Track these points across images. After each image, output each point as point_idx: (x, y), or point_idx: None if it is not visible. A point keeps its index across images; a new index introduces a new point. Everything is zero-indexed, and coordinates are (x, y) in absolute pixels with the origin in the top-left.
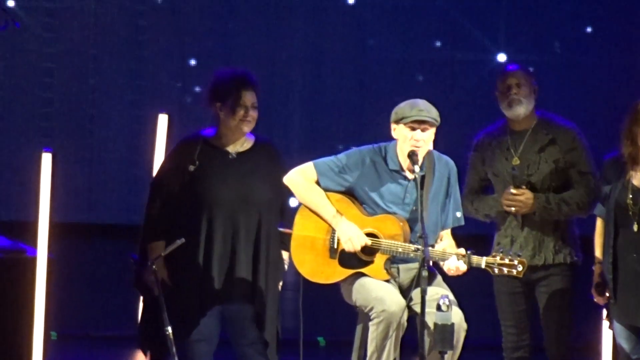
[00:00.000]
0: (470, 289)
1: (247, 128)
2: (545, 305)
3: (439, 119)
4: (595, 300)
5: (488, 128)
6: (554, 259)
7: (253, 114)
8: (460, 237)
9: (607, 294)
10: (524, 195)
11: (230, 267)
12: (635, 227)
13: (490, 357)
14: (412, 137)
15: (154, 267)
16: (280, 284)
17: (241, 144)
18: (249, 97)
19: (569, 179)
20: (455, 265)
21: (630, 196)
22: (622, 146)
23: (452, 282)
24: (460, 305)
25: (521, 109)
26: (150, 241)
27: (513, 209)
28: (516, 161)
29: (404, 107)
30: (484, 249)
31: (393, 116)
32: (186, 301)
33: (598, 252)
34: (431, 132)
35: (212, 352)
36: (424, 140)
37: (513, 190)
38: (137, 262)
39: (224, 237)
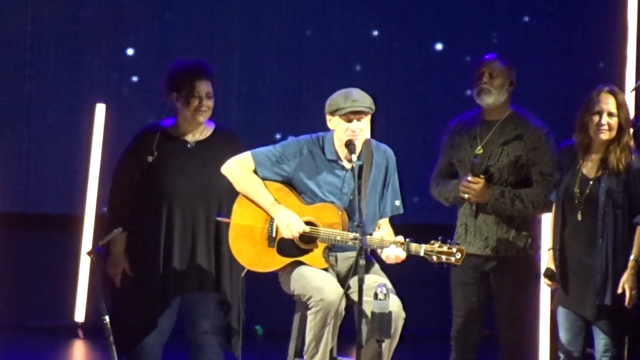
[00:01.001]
0: (410, 277)
1: (202, 118)
2: (498, 296)
3: (373, 107)
4: (545, 284)
5: (464, 114)
6: (507, 250)
7: (208, 104)
8: (424, 226)
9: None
10: (479, 185)
11: (192, 257)
12: (579, 216)
13: (430, 346)
14: (349, 129)
15: (91, 257)
16: (244, 272)
17: (200, 133)
18: (203, 87)
19: (530, 177)
20: (394, 253)
21: (578, 184)
22: (575, 135)
23: (391, 270)
24: (399, 294)
25: (489, 99)
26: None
27: (467, 196)
28: (479, 150)
29: (337, 98)
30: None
31: (327, 107)
32: (145, 292)
33: (551, 238)
34: (367, 120)
35: (163, 343)
36: (361, 129)
37: (469, 178)
38: (101, 254)
39: (184, 227)
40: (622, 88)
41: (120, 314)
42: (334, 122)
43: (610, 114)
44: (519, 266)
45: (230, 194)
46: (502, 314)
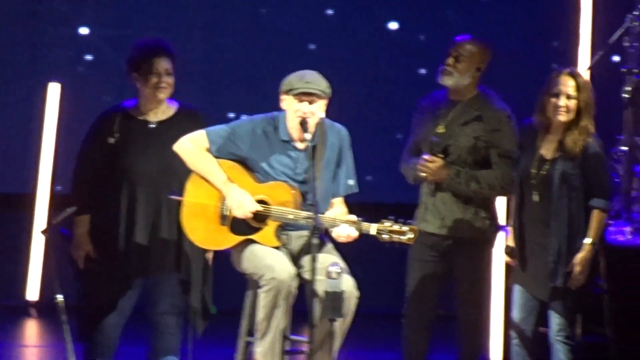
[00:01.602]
0: (366, 256)
1: (162, 95)
2: (458, 277)
3: (328, 91)
4: (506, 261)
5: (434, 92)
6: (464, 230)
7: (168, 80)
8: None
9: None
10: (435, 164)
11: (154, 238)
12: (535, 197)
13: (386, 325)
14: (299, 109)
15: (46, 235)
16: (210, 255)
17: (162, 112)
18: (162, 64)
19: (488, 158)
20: (345, 232)
21: (535, 165)
22: (535, 115)
23: (345, 250)
24: (355, 273)
25: (449, 80)
26: (76, 215)
27: (424, 174)
28: (441, 129)
29: (292, 79)
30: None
31: (282, 87)
32: (108, 273)
33: (512, 216)
34: (320, 104)
35: (122, 324)
36: (312, 112)
37: (426, 157)
38: (66, 236)
39: (147, 208)
40: (576, 66)
41: (83, 296)
42: (286, 102)
43: (569, 97)
44: (477, 247)
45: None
46: (462, 295)
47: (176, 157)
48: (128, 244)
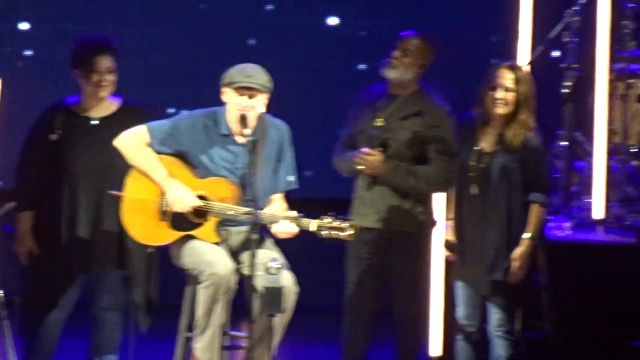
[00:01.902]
0: (305, 252)
1: (103, 93)
2: (394, 273)
3: (269, 85)
4: (446, 256)
5: (373, 86)
6: (400, 225)
7: (110, 78)
8: (318, 201)
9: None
10: (373, 157)
11: (96, 235)
12: (474, 190)
13: (325, 320)
14: (239, 103)
15: None
16: (152, 250)
17: (105, 109)
18: (103, 62)
19: (426, 154)
20: (285, 228)
21: (474, 158)
22: (474, 108)
23: (285, 245)
24: (295, 269)
25: (393, 74)
26: (18, 211)
27: (362, 167)
28: (380, 122)
29: (233, 72)
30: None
31: (223, 79)
32: (49, 269)
33: (451, 210)
34: (260, 98)
35: (64, 320)
36: (252, 106)
37: (364, 150)
38: (8, 233)
39: (88, 205)
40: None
41: (27, 292)
42: (227, 95)
43: (507, 89)
44: (414, 242)
45: None
46: (398, 291)
47: (119, 154)
48: (70, 240)
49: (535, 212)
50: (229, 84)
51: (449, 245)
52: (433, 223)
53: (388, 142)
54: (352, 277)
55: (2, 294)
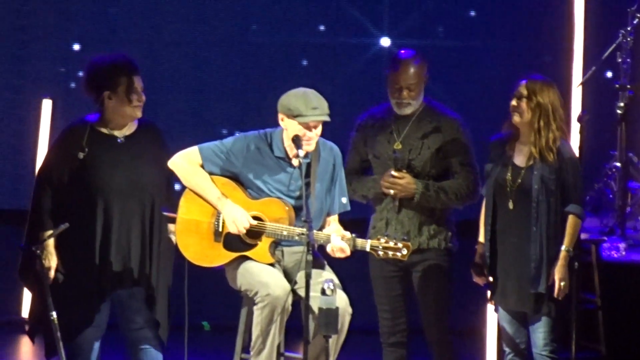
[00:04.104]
0: (356, 273)
1: (140, 113)
2: (421, 290)
3: (329, 111)
4: (474, 280)
5: (372, 109)
6: (428, 244)
7: (144, 98)
8: (341, 221)
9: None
10: (405, 179)
11: (127, 252)
12: (510, 205)
13: (377, 341)
14: (306, 135)
15: (37, 252)
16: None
17: (128, 127)
18: (139, 82)
19: (449, 168)
20: (339, 245)
21: (510, 173)
22: (504, 125)
23: (338, 266)
24: (346, 290)
25: (409, 110)
26: (40, 230)
27: (392, 191)
28: (398, 145)
29: (298, 103)
30: (361, 232)
31: (285, 109)
32: (81, 288)
33: (481, 232)
34: (320, 126)
35: (100, 337)
36: (316, 135)
37: (394, 173)
38: (25, 250)
39: (121, 223)
40: (569, 82)
41: (59, 311)
42: (289, 123)
43: (520, 97)
44: (439, 261)
45: (160, 188)
46: (426, 310)
47: (143, 172)
48: (102, 258)
49: (571, 224)
50: (295, 116)
51: (476, 270)
52: (456, 241)
53: (412, 162)
54: (381, 297)
55: (55, 316)
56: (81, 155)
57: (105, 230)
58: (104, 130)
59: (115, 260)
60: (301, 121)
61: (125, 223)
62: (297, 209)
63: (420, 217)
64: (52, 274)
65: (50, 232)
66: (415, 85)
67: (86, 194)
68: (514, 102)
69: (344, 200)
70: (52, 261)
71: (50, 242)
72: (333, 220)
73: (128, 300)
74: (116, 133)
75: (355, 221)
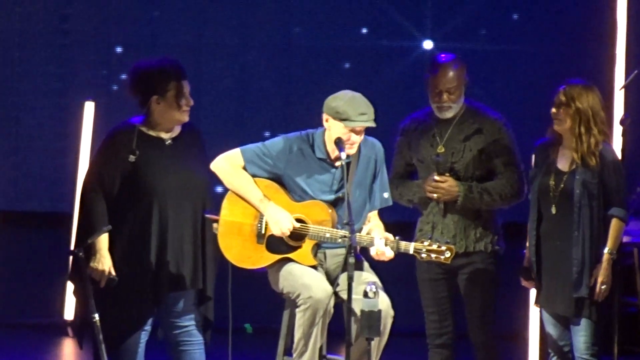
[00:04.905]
0: (398, 275)
1: (187, 117)
2: (467, 292)
3: (374, 117)
4: (522, 284)
5: (415, 114)
6: (474, 247)
7: (192, 102)
8: (386, 224)
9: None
10: (447, 183)
11: (180, 254)
12: (553, 210)
13: (418, 343)
14: (350, 139)
15: (81, 255)
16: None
17: (173, 130)
18: (187, 87)
19: (493, 169)
20: (382, 249)
21: (552, 178)
22: (548, 130)
23: (379, 268)
24: (388, 292)
25: (449, 113)
26: (93, 234)
27: (435, 195)
28: (441, 149)
29: (346, 107)
30: (408, 236)
31: (332, 112)
32: (136, 291)
33: (529, 235)
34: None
35: (145, 340)
36: (360, 139)
37: (436, 177)
38: (72, 254)
39: (175, 224)
40: (611, 85)
41: (106, 313)
42: (334, 125)
43: (559, 105)
44: (486, 264)
45: (207, 189)
46: (472, 313)
47: (191, 173)
48: (158, 260)
49: (615, 227)
50: (342, 119)
51: (523, 274)
52: (502, 244)
53: (455, 165)
54: (426, 299)
55: (97, 318)
56: (132, 158)
57: (161, 232)
58: (151, 132)
59: (170, 262)
60: (348, 125)
61: (179, 225)
62: (339, 209)
63: (466, 220)
64: (104, 278)
65: (92, 236)
66: (455, 88)
67: (141, 197)
68: (553, 110)
69: (386, 195)
70: (105, 264)
71: (103, 246)
72: (373, 217)
73: (177, 302)
74: (163, 135)
75: (400, 224)
